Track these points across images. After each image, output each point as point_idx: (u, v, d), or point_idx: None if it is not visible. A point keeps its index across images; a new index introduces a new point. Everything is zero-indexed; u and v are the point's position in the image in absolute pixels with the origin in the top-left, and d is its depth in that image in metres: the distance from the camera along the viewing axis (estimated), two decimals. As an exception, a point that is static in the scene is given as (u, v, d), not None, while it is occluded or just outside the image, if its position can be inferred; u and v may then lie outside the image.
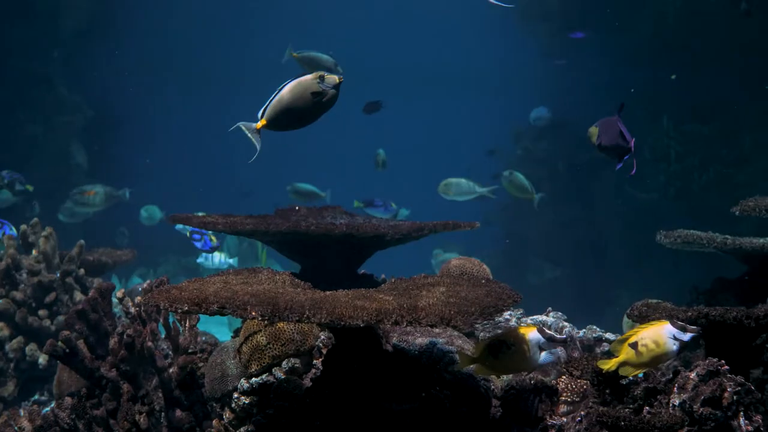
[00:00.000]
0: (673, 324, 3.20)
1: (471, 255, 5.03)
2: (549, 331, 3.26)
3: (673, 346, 3.17)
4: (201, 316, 4.36)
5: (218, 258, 8.37)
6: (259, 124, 3.66)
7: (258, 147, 3.69)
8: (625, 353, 3.23)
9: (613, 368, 3.25)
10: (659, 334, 3.19)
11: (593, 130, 4.63)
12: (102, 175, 13.90)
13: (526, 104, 14.74)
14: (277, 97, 3.64)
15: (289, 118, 3.67)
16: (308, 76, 3.64)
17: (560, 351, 3.63)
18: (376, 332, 3.54)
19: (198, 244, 6.27)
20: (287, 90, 3.63)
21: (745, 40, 10.65)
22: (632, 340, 3.22)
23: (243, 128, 3.67)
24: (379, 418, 3.34)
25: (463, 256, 4.89)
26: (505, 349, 3.25)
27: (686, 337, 3.16)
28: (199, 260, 8.36)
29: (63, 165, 13.23)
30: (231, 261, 8.59)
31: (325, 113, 3.70)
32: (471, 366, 3.41)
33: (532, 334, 3.26)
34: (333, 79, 3.64)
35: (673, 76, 10.87)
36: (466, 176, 8.91)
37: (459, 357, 3.40)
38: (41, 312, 5.68)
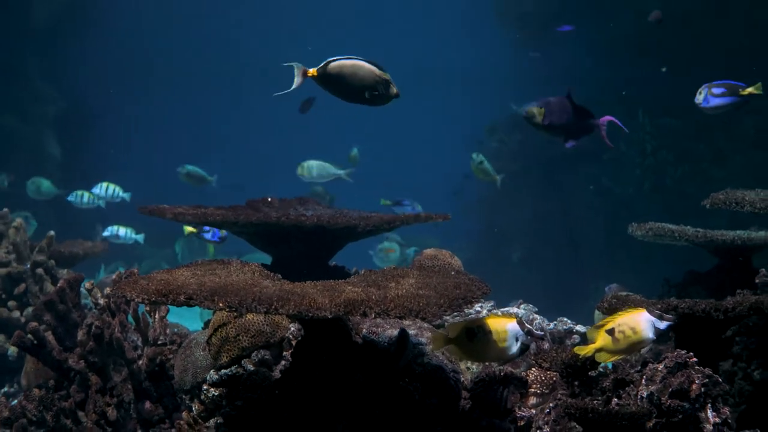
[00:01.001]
0: (649, 312, 3.21)
1: (446, 248, 5.01)
2: (528, 326, 3.26)
3: (650, 334, 3.17)
4: (173, 308, 4.34)
5: (123, 232, 8.33)
6: (312, 71, 3.73)
7: (293, 87, 3.76)
8: (602, 339, 3.22)
9: (590, 354, 3.24)
10: (636, 321, 3.19)
11: (536, 110, 4.53)
12: (76, 166, 13.84)
13: (500, 97, 14.75)
14: (345, 62, 3.73)
15: (339, 84, 3.76)
16: (382, 72, 3.75)
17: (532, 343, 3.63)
18: (345, 324, 3.52)
19: (207, 235, 6.28)
20: (358, 64, 3.73)
21: (723, 38, 10.71)
22: (609, 326, 3.21)
23: (295, 67, 3.73)
24: (348, 409, 3.32)
25: (436, 248, 4.86)
26: (481, 335, 3.22)
27: (663, 325, 3.16)
28: (105, 234, 8.30)
29: (37, 156, 13.13)
30: (137, 237, 8.51)
31: (361, 104, 3.84)
32: (442, 352, 3.41)
33: (510, 324, 3.23)
34: (393, 90, 3.78)
35: (664, 69, 10.86)
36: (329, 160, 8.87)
37: (433, 337, 3.38)
38: (11, 303, 5.62)
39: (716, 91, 4.97)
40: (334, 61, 3.73)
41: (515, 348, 3.20)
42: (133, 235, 8.47)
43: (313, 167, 8.23)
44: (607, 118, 4.59)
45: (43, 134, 13.59)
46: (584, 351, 3.27)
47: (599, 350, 3.23)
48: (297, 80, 3.73)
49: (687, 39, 10.97)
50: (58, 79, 14.41)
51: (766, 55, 9.60)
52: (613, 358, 3.27)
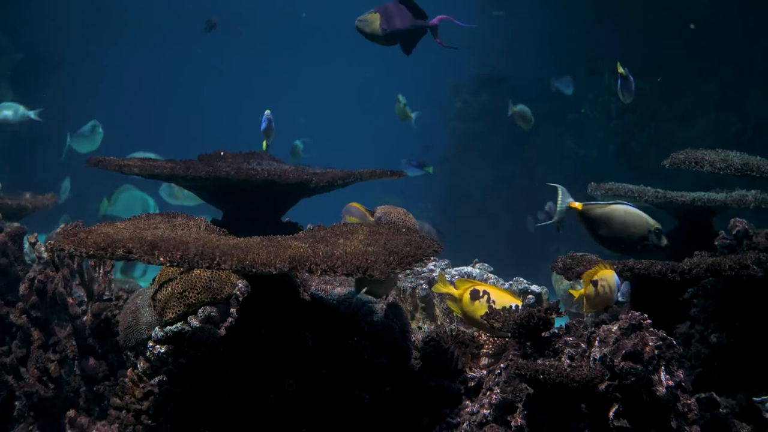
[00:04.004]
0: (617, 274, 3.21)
1: (408, 208, 4.92)
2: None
3: (619, 296, 3.17)
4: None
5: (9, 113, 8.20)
6: (577, 205, 3.80)
7: (554, 219, 3.84)
8: (587, 288, 3.24)
9: (576, 299, 3.31)
10: (613, 280, 3.19)
11: (371, 16, 4.28)
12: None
13: (464, 56, 14.61)
14: (615, 207, 3.75)
15: (603, 229, 3.76)
16: (654, 221, 3.75)
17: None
18: (292, 281, 3.43)
19: None
20: (629, 211, 3.74)
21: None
22: (595, 277, 3.21)
23: (560, 191, 3.79)
24: (294, 367, 3.24)
25: (390, 206, 4.77)
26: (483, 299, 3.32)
27: (622, 297, 3.16)
28: None
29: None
30: (29, 113, 8.35)
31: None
32: (387, 314, 3.40)
33: (516, 303, 3.27)
34: (664, 240, 3.76)
35: (692, 26, 10.76)
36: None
37: (440, 279, 3.49)
38: (-46, 257, 5.49)
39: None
40: (602, 205, 3.70)
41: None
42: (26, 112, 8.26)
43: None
44: (440, 17, 4.37)
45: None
46: (576, 294, 3.32)
47: (582, 297, 3.27)
48: (560, 209, 3.74)
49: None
50: (12, 29, 14.11)
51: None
52: (589, 310, 3.34)
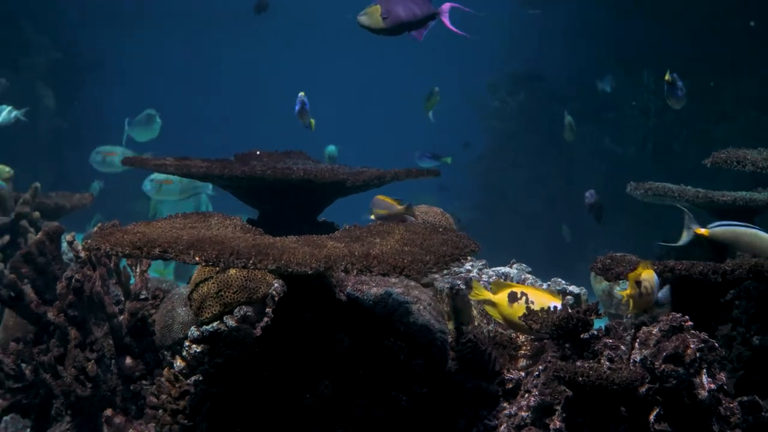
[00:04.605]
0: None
1: (444, 207, 4.90)
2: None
3: (658, 296, 3.18)
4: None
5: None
6: (703, 231, 3.78)
7: (680, 242, 3.86)
8: (632, 288, 3.20)
9: (624, 300, 3.26)
10: (654, 281, 3.17)
11: (373, 8, 3.99)
12: (71, 117, 13.69)
13: (501, 55, 14.54)
14: (742, 230, 3.72)
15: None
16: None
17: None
18: (328, 281, 3.42)
19: None
20: (756, 234, 3.70)
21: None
22: (639, 278, 3.19)
23: (686, 217, 3.80)
24: (328, 368, 3.22)
25: (426, 205, 4.75)
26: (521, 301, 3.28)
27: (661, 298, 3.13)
28: None
29: (30, 106, 12.96)
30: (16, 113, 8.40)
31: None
32: (429, 316, 3.36)
33: (555, 303, 3.23)
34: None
35: (752, 23, 10.63)
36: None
37: (475, 287, 3.46)
38: (-6, 255, 5.53)
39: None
40: (727, 225, 3.68)
41: None
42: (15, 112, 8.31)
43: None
44: (449, 4, 4.22)
45: (35, 85, 13.42)
46: (624, 294, 3.26)
47: (630, 297, 3.22)
48: (686, 234, 3.73)
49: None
50: (52, 29, 14.21)
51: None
52: (633, 311, 3.30)
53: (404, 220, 4.51)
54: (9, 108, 8.38)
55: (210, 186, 8.19)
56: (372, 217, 4.36)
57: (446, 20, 4.13)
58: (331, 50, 23.81)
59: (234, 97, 25.05)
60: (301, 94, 5.32)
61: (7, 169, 6.15)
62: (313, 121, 5.33)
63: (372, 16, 4.02)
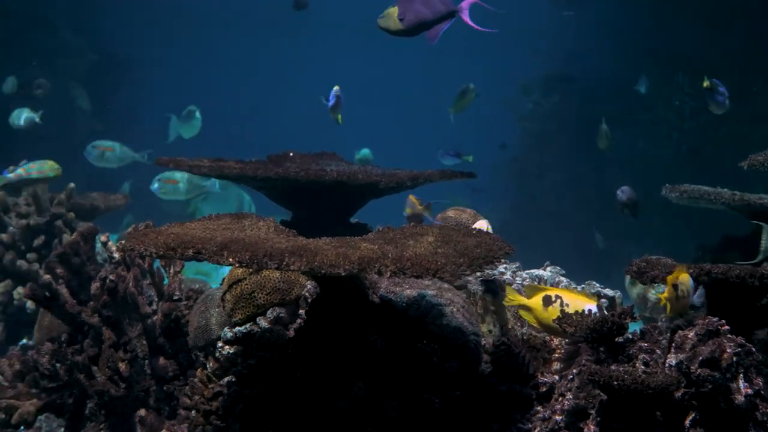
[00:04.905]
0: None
1: (478, 209, 4.89)
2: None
3: (694, 299, 3.12)
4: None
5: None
6: None
7: None
8: (669, 292, 3.16)
9: (663, 302, 3.20)
10: (690, 284, 3.14)
11: (391, 11, 3.97)
12: (105, 119, 13.76)
13: (534, 56, 14.46)
14: None
15: None
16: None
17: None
18: (361, 282, 3.41)
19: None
20: None
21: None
22: (676, 282, 3.14)
23: None
24: (361, 370, 3.21)
25: (460, 207, 4.74)
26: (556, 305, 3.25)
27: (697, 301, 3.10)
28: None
29: (66, 108, 13.07)
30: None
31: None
32: (462, 318, 3.34)
33: (590, 304, 3.21)
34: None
35: None
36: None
37: (509, 292, 3.47)
38: (30, 255, 5.58)
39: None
40: None
41: None
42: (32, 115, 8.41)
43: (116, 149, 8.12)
44: (469, 1, 4.14)
45: (71, 86, 13.51)
46: (662, 296, 3.22)
47: (668, 299, 3.17)
48: (764, 249, 3.77)
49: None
50: (88, 31, 14.30)
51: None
52: (670, 314, 3.23)
53: (421, 218, 4.55)
54: (26, 111, 8.45)
55: (216, 185, 8.25)
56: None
57: (466, 17, 4.09)
58: (362, 50, 23.82)
59: (266, 97, 25.12)
60: (336, 88, 5.31)
61: (57, 165, 6.21)
62: (339, 116, 5.32)
63: (390, 18, 4.02)
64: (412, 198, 4.75)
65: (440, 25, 4.08)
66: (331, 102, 5.22)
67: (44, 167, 6.18)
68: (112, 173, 9.66)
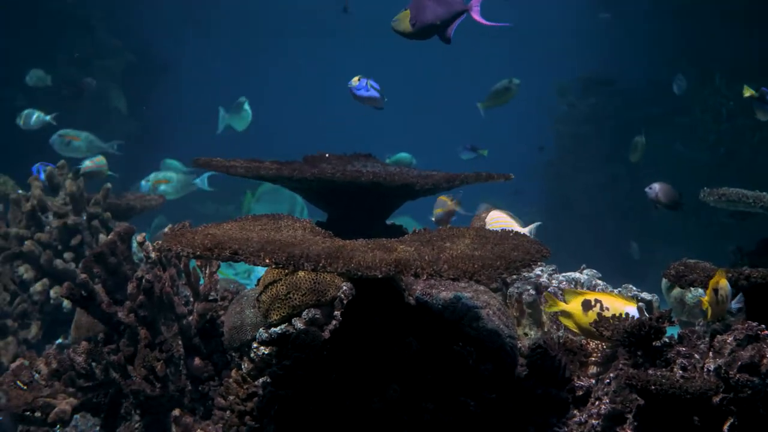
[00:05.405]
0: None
1: (515, 211, 4.87)
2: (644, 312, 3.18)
3: (732, 304, 3.09)
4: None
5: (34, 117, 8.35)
6: None
7: None
8: (710, 296, 3.12)
9: (705, 306, 3.16)
10: (728, 288, 3.10)
11: (403, 14, 4.05)
12: (141, 120, 13.85)
13: (570, 59, 14.40)
14: None
15: None
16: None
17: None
18: (397, 284, 3.40)
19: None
20: None
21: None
22: (716, 286, 3.11)
23: None
24: (396, 372, 3.20)
25: (497, 209, 4.72)
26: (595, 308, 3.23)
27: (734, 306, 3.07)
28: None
29: (101, 109, 13.16)
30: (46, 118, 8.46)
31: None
32: (498, 321, 3.32)
33: (630, 307, 3.20)
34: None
35: None
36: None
37: (548, 298, 3.45)
38: (66, 254, 5.62)
39: None
40: None
41: None
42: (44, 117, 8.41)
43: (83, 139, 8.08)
44: None
45: (108, 87, 13.60)
46: (704, 301, 3.18)
47: (709, 304, 3.14)
48: None
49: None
50: (124, 32, 14.40)
51: None
52: (711, 318, 3.19)
53: (452, 213, 4.55)
54: (39, 113, 8.49)
55: (206, 183, 8.24)
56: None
57: (476, 15, 4.08)
58: (397, 51, 23.84)
59: (302, 99, 25.19)
60: (356, 79, 5.31)
61: (105, 161, 6.28)
62: (385, 98, 5.32)
63: (403, 21, 4.06)
64: (442, 198, 4.74)
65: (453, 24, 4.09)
66: (369, 93, 5.21)
67: (101, 162, 6.26)
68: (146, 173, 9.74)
